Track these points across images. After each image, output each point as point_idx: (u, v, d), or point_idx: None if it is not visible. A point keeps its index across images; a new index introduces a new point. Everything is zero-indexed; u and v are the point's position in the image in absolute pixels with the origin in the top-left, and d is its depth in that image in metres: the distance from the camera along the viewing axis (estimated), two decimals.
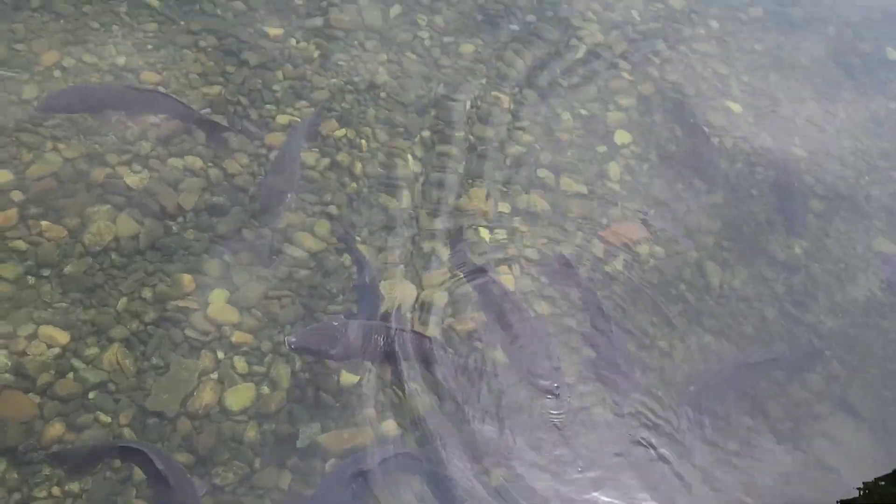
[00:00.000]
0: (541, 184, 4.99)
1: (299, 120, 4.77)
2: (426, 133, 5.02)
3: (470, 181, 4.84)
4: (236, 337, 3.85)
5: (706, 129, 5.59)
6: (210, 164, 4.42)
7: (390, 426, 3.71)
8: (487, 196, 4.78)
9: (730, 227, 5.14)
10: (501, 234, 4.65)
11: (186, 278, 3.96)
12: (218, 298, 3.95)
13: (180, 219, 4.18)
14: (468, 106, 5.25)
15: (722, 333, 4.58)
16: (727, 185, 5.39)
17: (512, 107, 5.35)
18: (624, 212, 5.01)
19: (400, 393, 3.80)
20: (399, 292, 4.18)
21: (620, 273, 4.67)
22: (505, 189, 4.88)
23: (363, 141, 4.85)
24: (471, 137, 5.09)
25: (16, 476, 3.17)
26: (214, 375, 3.70)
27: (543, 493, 3.65)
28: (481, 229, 4.66)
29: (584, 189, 5.04)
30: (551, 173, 5.06)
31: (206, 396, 3.59)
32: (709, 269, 4.86)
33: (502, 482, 3.64)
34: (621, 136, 5.44)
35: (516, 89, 5.48)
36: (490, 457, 3.70)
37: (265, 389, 3.73)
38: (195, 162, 4.40)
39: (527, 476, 3.69)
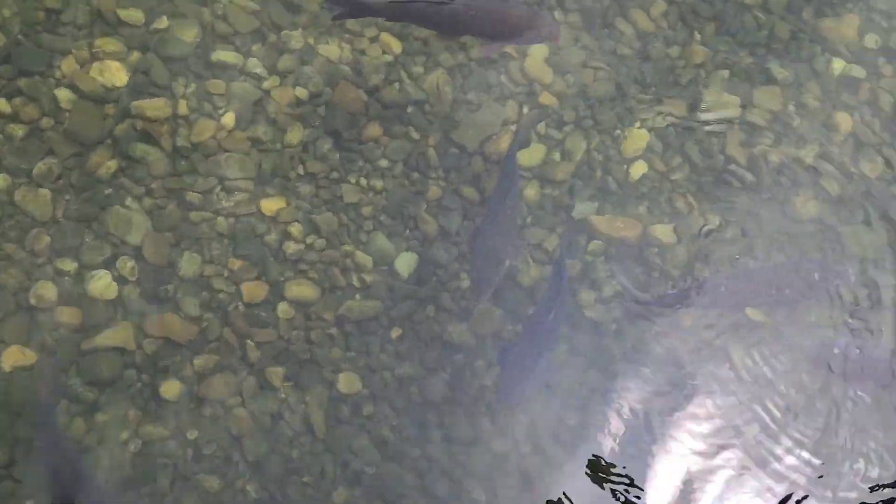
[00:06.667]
0: None
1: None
2: None
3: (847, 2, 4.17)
4: (543, 97, 3.88)
5: None
6: None
7: (660, 231, 3.70)
8: (859, 26, 4.12)
9: None
10: (859, 71, 4.05)
11: None
12: (538, 53, 3.95)
13: None
14: None
15: None
16: None
17: None
18: None
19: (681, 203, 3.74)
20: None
21: None
22: (885, 22, 4.14)
23: None
24: None
25: (337, 157, 3.62)
26: (514, 126, 3.81)
27: None
28: (835, 59, 4.08)
29: None
30: None
31: (503, 143, 3.74)
32: None
33: None
34: None
35: None
36: None
37: (556, 156, 3.80)
38: None
39: None
